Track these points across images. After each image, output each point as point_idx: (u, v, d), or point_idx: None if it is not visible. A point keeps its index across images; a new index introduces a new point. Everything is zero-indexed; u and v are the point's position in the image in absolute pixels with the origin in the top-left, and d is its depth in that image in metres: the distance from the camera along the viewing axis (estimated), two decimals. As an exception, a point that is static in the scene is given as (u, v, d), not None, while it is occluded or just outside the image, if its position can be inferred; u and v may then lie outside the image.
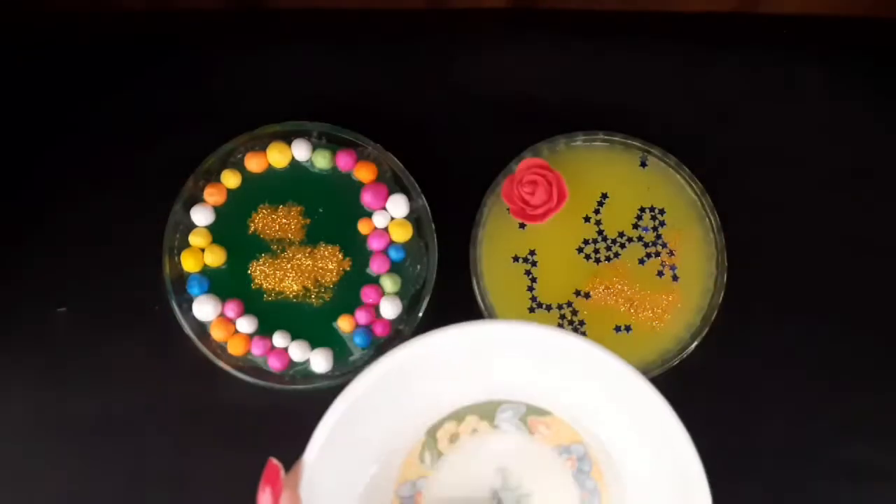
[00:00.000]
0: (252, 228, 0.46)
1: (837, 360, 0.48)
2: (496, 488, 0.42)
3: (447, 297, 0.46)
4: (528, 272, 0.46)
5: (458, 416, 0.42)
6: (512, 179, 0.44)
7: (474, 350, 0.38)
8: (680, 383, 0.47)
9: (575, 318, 0.46)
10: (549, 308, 0.46)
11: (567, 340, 0.36)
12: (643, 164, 0.47)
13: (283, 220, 0.46)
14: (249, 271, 0.46)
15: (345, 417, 0.37)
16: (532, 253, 0.46)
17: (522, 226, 0.46)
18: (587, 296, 0.46)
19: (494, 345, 0.38)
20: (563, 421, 0.42)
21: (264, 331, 0.46)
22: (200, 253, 0.46)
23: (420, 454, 0.42)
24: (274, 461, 0.35)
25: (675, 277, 0.46)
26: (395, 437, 0.41)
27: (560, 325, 0.45)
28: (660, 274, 0.46)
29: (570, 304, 0.46)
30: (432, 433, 0.42)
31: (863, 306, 0.49)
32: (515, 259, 0.46)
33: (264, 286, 0.46)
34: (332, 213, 0.47)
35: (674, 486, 0.37)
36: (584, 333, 0.45)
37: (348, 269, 0.46)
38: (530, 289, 0.46)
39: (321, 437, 0.37)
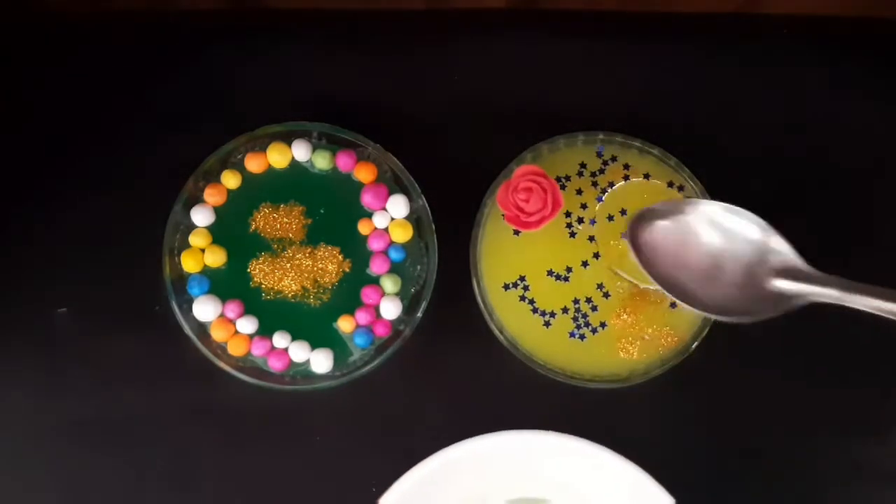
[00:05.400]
0: (253, 227, 0.46)
1: (837, 360, 0.48)
2: None
3: (447, 297, 0.46)
4: (522, 297, 0.46)
5: None
6: (507, 186, 0.44)
7: (523, 453, 0.42)
8: (680, 383, 0.47)
9: (581, 320, 0.46)
10: (553, 314, 0.46)
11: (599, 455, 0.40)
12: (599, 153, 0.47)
13: (285, 220, 0.46)
14: (249, 270, 0.46)
15: None
16: (522, 278, 0.46)
17: (517, 232, 0.46)
18: (607, 295, 0.45)
19: (537, 452, 0.41)
20: None
21: (265, 331, 0.46)
22: (200, 253, 0.46)
23: None
24: None
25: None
26: None
27: (576, 325, 0.46)
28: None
29: (581, 300, 0.46)
30: None
31: (863, 306, 0.49)
32: (506, 287, 0.46)
33: (263, 285, 0.46)
34: (332, 213, 0.47)
35: None
36: (589, 331, 0.45)
37: (348, 270, 0.46)
38: (531, 301, 0.46)
39: None
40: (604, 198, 0.46)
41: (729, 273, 0.35)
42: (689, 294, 0.36)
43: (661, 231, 0.37)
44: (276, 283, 0.46)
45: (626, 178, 0.46)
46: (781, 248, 0.34)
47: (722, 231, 0.36)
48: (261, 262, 0.46)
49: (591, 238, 0.46)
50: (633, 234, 0.38)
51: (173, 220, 0.46)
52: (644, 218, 0.38)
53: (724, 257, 0.35)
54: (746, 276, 0.35)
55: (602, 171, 0.46)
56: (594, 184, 0.46)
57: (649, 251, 0.37)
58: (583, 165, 0.46)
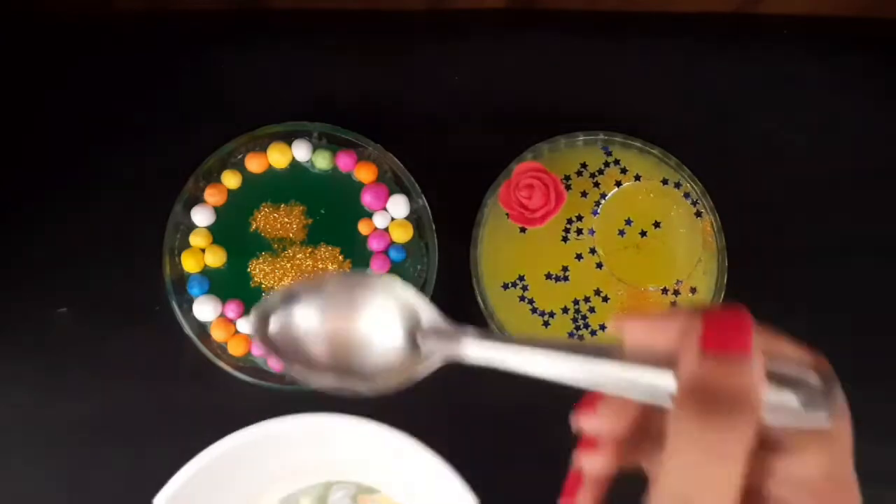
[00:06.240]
0: (254, 226, 0.46)
1: (837, 360, 0.48)
2: None
3: (447, 297, 0.46)
4: (522, 297, 0.46)
5: (292, 499, 0.44)
6: (509, 185, 0.44)
7: (300, 438, 0.41)
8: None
9: (581, 321, 0.46)
10: (552, 314, 0.46)
11: (374, 430, 0.39)
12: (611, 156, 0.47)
13: (285, 220, 0.46)
14: (249, 269, 0.46)
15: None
16: (521, 278, 0.46)
17: (523, 229, 0.46)
18: (605, 299, 0.45)
19: (314, 434, 0.41)
20: (390, 498, 0.43)
21: (265, 331, 0.46)
22: (201, 253, 0.46)
23: None
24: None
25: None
26: None
27: (575, 325, 0.46)
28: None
29: (581, 301, 0.46)
30: None
31: (863, 306, 0.49)
32: (505, 286, 0.46)
33: (263, 284, 0.46)
34: (332, 213, 0.47)
35: None
36: (588, 333, 0.45)
37: (348, 270, 0.46)
38: (530, 301, 0.46)
39: None
40: (599, 210, 0.46)
41: (386, 343, 0.32)
42: (355, 370, 0.32)
43: (300, 316, 0.32)
44: (277, 283, 0.46)
45: (618, 183, 0.46)
46: (424, 313, 0.31)
47: (369, 302, 0.32)
48: (261, 261, 0.46)
49: (593, 251, 0.46)
50: (260, 330, 0.32)
51: (173, 220, 0.46)
52: (270, 308, 0.32)
53: (374, 331, 0.32)
54: (400, 345, 0.32)
55: (602, 172, 0.46)
56: (596, 184, 0.46)
57: (290, 341, 0.32)
58: (583, 166, 0.46)
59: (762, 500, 0.25)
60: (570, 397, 0.26)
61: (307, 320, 0.32)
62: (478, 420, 0.47)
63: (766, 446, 0.25)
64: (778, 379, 0.23)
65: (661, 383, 0.23)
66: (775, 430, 0.24)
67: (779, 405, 0.23)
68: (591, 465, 0.27)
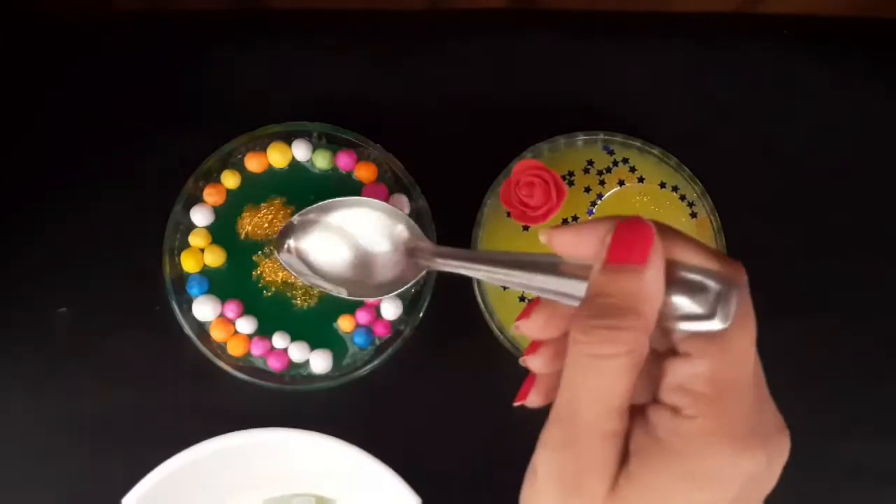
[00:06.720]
0: (243, 235, 0.46)
1: (837, 360, 0.48)
2: None
3: (447, 297, 0.46)
4: (522, 297, 0.46)
5: None
6: (509, 183, 0.44)
7: (264, 450, 0.43)
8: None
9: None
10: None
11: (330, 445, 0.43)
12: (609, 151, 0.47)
13: (272, 218, 0.46)
14: (259, 271, 0.46)
15: None
16: None
17: (526, 228, 0.46)
18: None
19: (276, 448, 0.43)
20: None
21: (264, 331, 0.46)
22: (200, 253, 0.46)
23: None
24: None
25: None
26: None
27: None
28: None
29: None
30: None
31: (863, 306, 0.49)
32: (506, 286, 0.46)
33: (268, 279, 0.46)
34: (332, 213, 0.46)
35: None
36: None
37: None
38: (530, 301, 0.46)
39: None
40: (594, 211, 0.46)
41: (380, 260, 0.40)
42: (358, 284, 0.41)
43: (311, 239, 0.41)
44: (275, 274, 0.46)
45: (620, 182, 0.46)
46: (412, 232, 0.40)
47: (365, 226, 0.41)
48: (266, 262, 0.46)
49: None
50: (281, 248, 0.41)
51: (173, 220, 0.46)
52: (288, 232, 0.41)
53: (374, 247, 0.41)
54: (394, 257, 0.40)
55: (609, 171, 0.46)
56: (602, 182, 0.46)
57: (307, 257, 0.41)
58: (590, 163, 0.46)
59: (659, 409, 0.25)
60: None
61: (317, 240, 0.41)
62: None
63: (670, 356, 0.25)
64: (680, 285, 0.24)
65: (581, 293, 0.25)
66: (676, 336, 0.25)
67: (677, 311, 0.24)
68: (534, 364, 0.29)
